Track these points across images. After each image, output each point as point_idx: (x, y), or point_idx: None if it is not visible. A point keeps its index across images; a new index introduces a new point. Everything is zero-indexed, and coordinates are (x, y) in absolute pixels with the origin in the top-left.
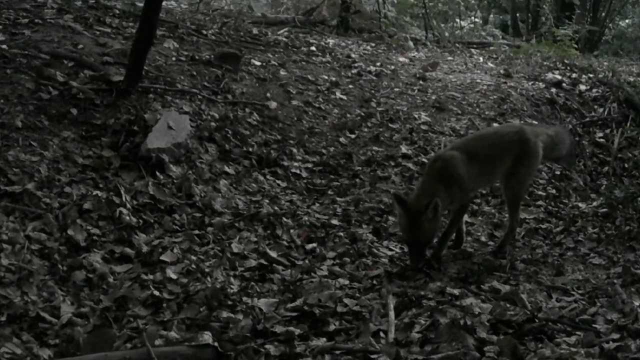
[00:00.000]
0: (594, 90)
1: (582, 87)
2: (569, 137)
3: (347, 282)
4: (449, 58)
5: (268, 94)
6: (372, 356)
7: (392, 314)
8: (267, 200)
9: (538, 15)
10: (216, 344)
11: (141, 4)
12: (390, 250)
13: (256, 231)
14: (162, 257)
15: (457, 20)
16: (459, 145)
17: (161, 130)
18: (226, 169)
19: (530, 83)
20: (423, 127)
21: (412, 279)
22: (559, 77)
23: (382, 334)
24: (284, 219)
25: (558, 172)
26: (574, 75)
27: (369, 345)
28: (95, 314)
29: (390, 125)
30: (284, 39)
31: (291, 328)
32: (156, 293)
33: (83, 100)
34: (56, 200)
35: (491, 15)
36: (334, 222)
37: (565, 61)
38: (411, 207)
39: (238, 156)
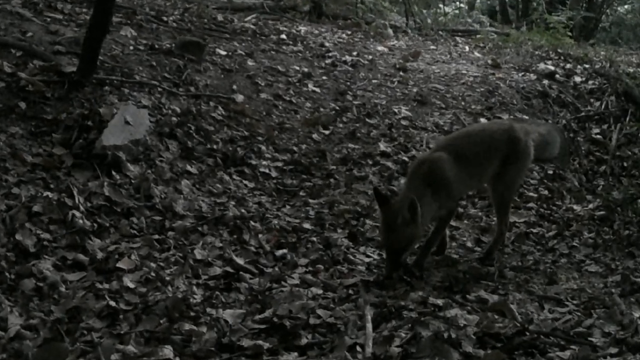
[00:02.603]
0: (590, 82)
1: (577, 79)
2: (561, 137)
3: (320, 291)
4: (432, 47)
5: (234, 86)
6: None
7: (369, 326)
8: (233, 202)
9: (529, 1)
10: (177, 358)
11: None
12: (368, 256)
13: (221, 236)
14: (119, 264)
15: (441, 5)
16: (444, 144)
17: (117, 126)
18: (188, 168)
19: (520, 74)
20: (403, 122)
21: (392, 288)
22: (552, 68)
23: (358, 348)
24: (252, 222)
25: (551, 172)
26: (568, 65)
27: None
28: (46, 326)
29: (367, 120)
30: (252, 26)
31: (259, 341)
32: (112, 303)
33: (32, 93)
34: (3, 202)
35: (478, 1)
36: (306, 226)
37: (559, 50)
38: (390, 207)
39: (201, 154)
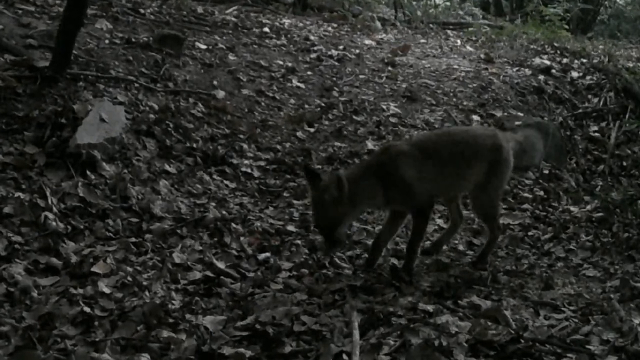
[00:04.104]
0: (588, 77)
1: (574, 74)
2: (542, 143)
3: (305, 296)
4: (422, 41)
5: (215, 82)
6: None
7: (356, 333)
8: (213, 204)
9: None
10: None
11: None
12: (355, 260)
13: (201, 239)
14: (94, 269)
15: None
16: (418, 139)
17: (92, 124)
18: (167, 167)
19: (514, 69)
20: (392, 119)
21: (380, 293)
22: (548, 63)
23: (345, 357)
24: (233, 224)
25: (547, 172)
26: (564, 60)
27: None
28: (17, 333)
29: (354, 117)
30: (233, 18)
31: (241, 349)
32: (87, 309)
33: (3, 89)
34: None
35: None
36: (290, 228)
37: (555, 44)
38: (319, 184)
39: (180, 153)
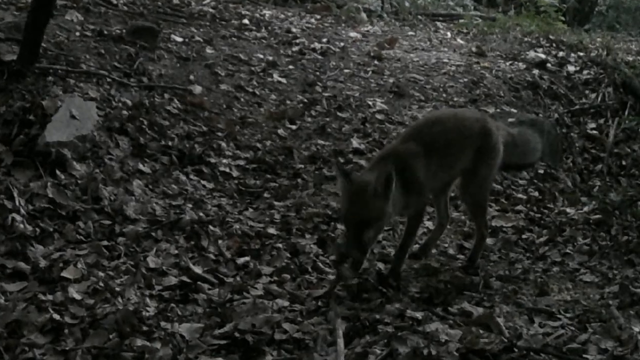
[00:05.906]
0: (585, 71)
1: (571, 68)
2: (539, 142)
3: (286, 303)
4: (410, 33)
5: (191, 77)
6: None
7: (341, 342)
8: (190, 205)
9: None
10: None
11: None
12: None
13: (177, 242)
14: (64, 274)
15: None
16: (412, 134)
17: (62, 121)
18: (141, 166)
19: (508, 63)
20: (378, 116)
21: (366, 299)
22: (543, 56)
23: None
24: (211, 227)
25: (542, 171)
26: (560, 53)
27: None
28: None
29: (338, 114)
30: (211, 9)
31: (219, 359)
32: (56, 317)
33: None
34: None
35: None
36: (271, 231)
37: (551, 37)
38: (358, 179)
39: (155, 151)
